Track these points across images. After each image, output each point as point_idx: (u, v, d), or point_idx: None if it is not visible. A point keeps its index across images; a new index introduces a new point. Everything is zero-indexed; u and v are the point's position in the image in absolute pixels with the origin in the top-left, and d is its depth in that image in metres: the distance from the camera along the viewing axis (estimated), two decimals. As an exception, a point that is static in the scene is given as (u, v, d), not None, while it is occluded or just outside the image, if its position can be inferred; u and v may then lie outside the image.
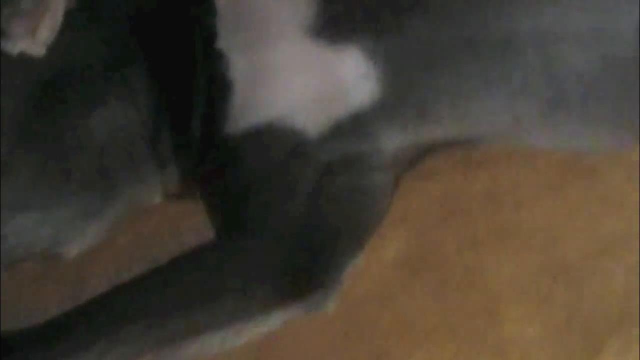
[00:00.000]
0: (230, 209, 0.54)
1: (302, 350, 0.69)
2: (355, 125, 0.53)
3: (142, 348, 0.48)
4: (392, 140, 0.54)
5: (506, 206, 0.74)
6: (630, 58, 0.53)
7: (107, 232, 0.57)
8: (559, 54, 0.52)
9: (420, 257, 0.73)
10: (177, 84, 0.55)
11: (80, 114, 0.54)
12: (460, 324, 0.72)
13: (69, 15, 0.53)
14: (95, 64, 0.55)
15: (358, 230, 0.52)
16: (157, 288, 0.50)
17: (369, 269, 0.70)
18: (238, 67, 0.53)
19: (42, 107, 0.52)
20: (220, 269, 0.51)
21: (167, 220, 0.68)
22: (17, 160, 0.51)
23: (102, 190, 0.55)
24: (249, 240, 0.52)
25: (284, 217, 0.52)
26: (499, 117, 0.54)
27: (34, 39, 0.52)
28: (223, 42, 0.53)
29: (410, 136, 0.54)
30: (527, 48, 0.51)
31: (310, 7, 0.51)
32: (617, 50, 0.52)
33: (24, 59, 0.51)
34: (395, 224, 0.71)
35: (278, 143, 0.53)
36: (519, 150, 0.72)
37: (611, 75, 0.53)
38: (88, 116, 0.54)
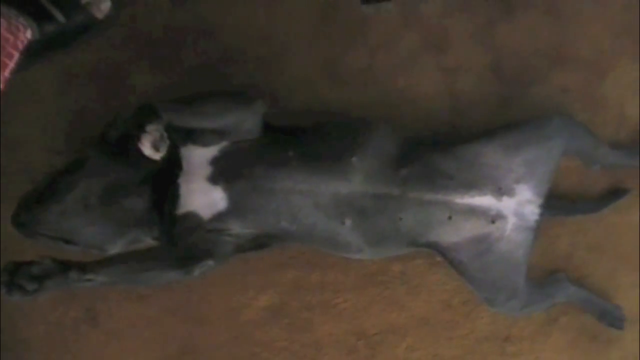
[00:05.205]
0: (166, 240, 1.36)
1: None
2: (219, 217, 1.32)
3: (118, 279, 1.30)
4: (236, 227, 1.32)
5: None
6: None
7: (123, 249, 1.39)
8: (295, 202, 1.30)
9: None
10: (161, 195, 1.38)
11: (125, 198, 1.38)
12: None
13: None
14: (136, 184, 1.39)
15: (207, 258, 1.30)
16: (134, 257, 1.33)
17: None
18: (182, 190, 1.35)
19: (108, 189, 1.37)
20: (159, 255, 1.32)
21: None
22: (89, 212, 1.36)
23: (125, 231, 1.38)
24: (169, 250, 1.33)
25: (188, 246, 1.32)
26: (275, 230, 1.32)
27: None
28: (180, 180, 1.36)
29: (245, 227, 1.33)
30: (280, 195, 1.30)
31: (208, 170, 1.34)
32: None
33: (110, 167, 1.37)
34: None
35: (191, 221, 1.33)
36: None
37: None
38: (128, 199, 1.37)
